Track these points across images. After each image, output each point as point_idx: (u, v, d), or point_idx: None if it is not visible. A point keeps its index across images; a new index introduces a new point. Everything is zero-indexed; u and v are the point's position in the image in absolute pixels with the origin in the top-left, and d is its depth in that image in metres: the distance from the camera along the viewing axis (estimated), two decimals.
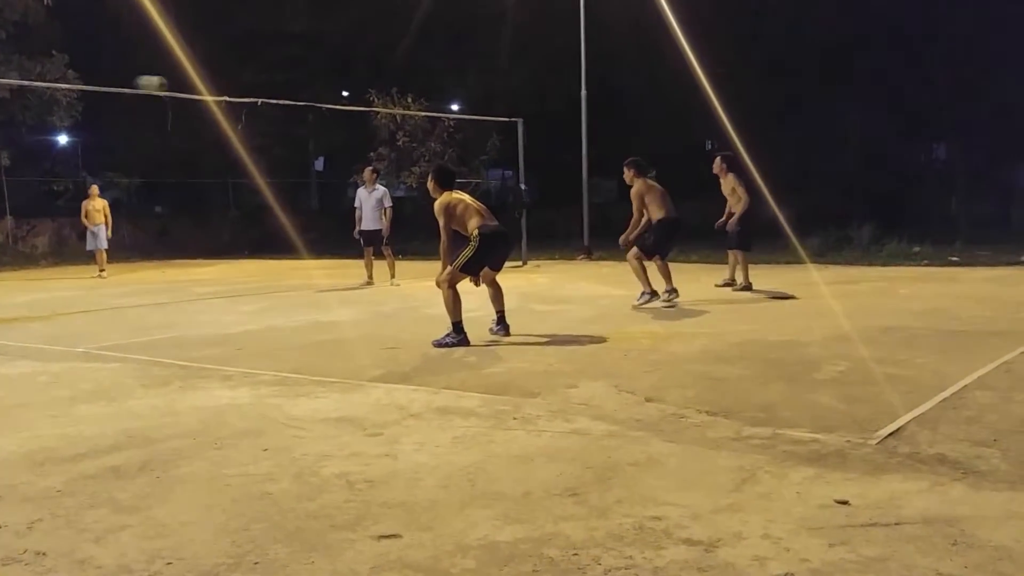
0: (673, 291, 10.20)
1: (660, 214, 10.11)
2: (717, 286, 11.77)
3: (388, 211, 13.77)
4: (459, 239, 7.87)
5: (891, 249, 16.61)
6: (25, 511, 3.68)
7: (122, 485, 4.00)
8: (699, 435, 4.59)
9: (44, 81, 19.47)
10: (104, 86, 15.26)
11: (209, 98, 14.16)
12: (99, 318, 10.91)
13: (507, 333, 8.01)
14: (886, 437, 4.44)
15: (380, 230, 13.80)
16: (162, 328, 9.53)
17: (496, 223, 7.97)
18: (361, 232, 13.97)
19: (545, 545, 3.17)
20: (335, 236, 25.78)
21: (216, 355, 7.50)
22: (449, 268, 7.76)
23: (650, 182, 10.32)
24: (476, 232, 7.75)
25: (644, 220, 10.16)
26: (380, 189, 14.07)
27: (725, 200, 11.74)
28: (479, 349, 7.46)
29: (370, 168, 14.79)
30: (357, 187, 14.52)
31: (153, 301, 12.54)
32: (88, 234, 17.43)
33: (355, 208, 14.09)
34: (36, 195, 27.57)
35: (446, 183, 8.07)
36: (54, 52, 20.64)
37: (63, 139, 29.67)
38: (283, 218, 19.10)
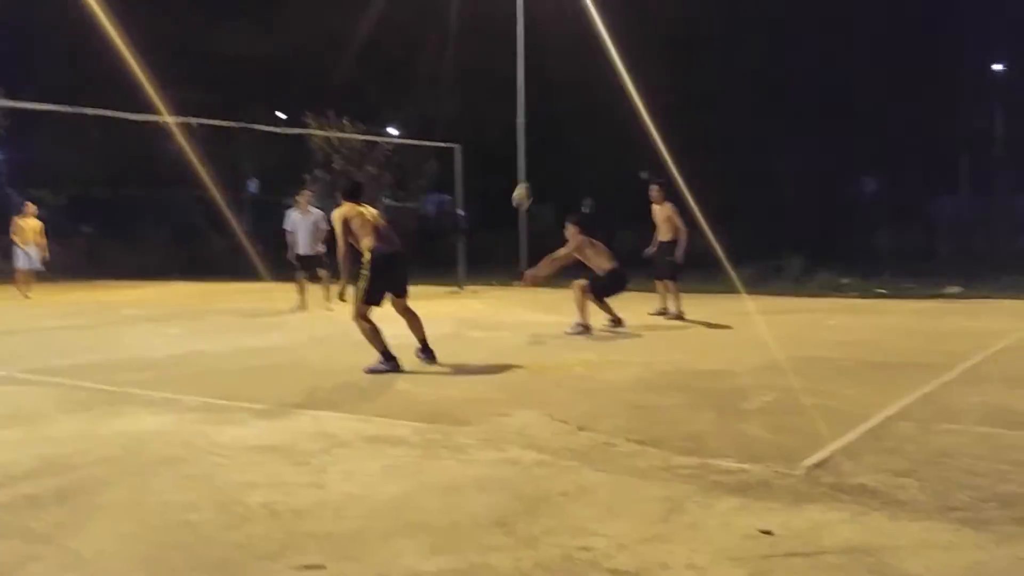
0: (615, 321, 10.40)
1: (610, 264, 10.31)
2: (650, 314, 11.90)
3: (324, 234, 13.63)
4: (357, 255, 7.80)
5: (820, 280, 16.98)
6: None
7: (36, 514, 3.86)
8: (629, 464, 4.60)
9: None
10: (30, 101, 14.87)
11: (143, 116, 13.89)
12: (19, 340, 10.58)
13: (432, 360, 7.95)
14: (811, 467, 4.51)
15: (317, 255, 13.67)
16: (86, 351, 9.27)
17: (393, 245, 7.82)
18: (298, 257, 13.82)
19: None
20: (268, 258, 25.51)
21: (141, 379, 7.32)
22: (353, 306, 7.70)
23: (591, 240, 10.47)
24: (368, 256, 7.64)
25: (559, 261, 10.42)
26: (316, 212, 13.96)
27: (655, 229, 11.93)
28: (411, 376, 7.41)
29: (307, 192, 14.66)
30: (289, 210, 14.36)
31: (78, 323, 12.21)
32: (18, 252, 16.79)
33: (287, 232, 13.93)
34: None
35: (350, 195, 8.00)
36: None
37: None
38: (214, 239, 18.79)
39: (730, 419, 5.67)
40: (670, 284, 11.89)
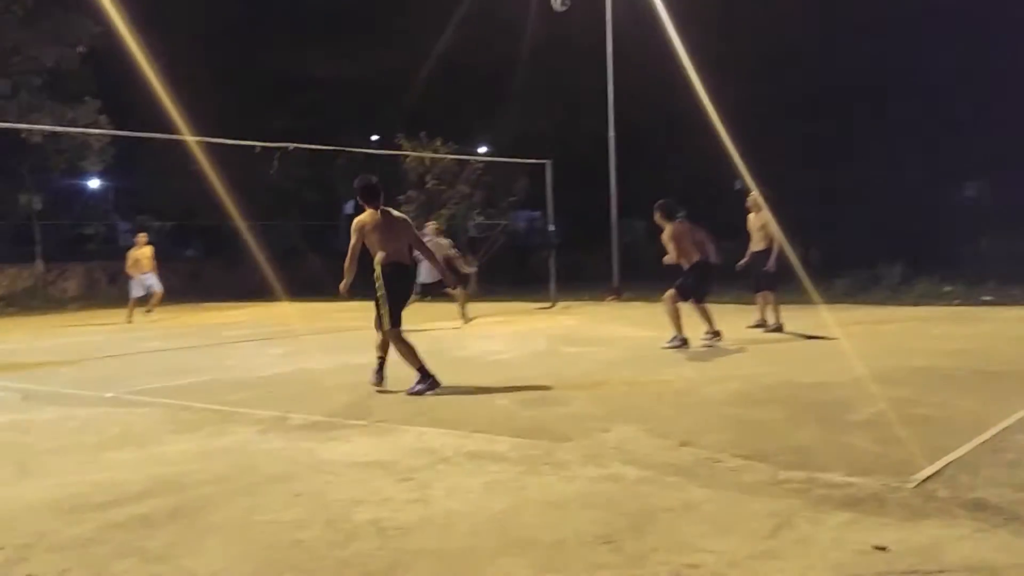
0: (714, 334, 10.14)
1: (694, 257, 10.06)
2: (748, 327, 11.67)
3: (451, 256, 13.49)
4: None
5: (922, 289, 16.42)
6: (55, 560, 3.67)
7: (151, 533, 3.99)
8: (734, 480, 4.52)
9: (76, 126, 19.85)
10: (135, 131, 15.50)
11: (242, 142, 14.34)
12: (128, 362, 10.99)
13: (379, 383, 7.70)
14: (924, 481, 4.35)
15: (438, 281, 13.34)
16: (193, 372, 9.57)
17: (402, 258, 7.69)
18: (422, 285, 13.39)
19: None
20: (364, 279, 25.99)
21: (247, 398, 7.52)
22: (383, 332, 7.60)
23: (684, 223, 10.25)
24: (378, 271, 7.52)
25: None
26: (442, 242, 13.97)
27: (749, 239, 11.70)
28: (509, 392, 7.41)
29: (434, 224, 14.64)
30: None
31: (184, 345, 12.63)
32: (133, 283, 17.41)
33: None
34: (67, 239, 28.02)
35: (368, 199, 7.69)
36: (86, 98, 21.05)
37: (94, 183, 30.20)
38: (313, 260, 19.22)
39: (836, 432, 5.51)
40: (768, 295, 11.64)
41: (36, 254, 24.10)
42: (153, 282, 17.30)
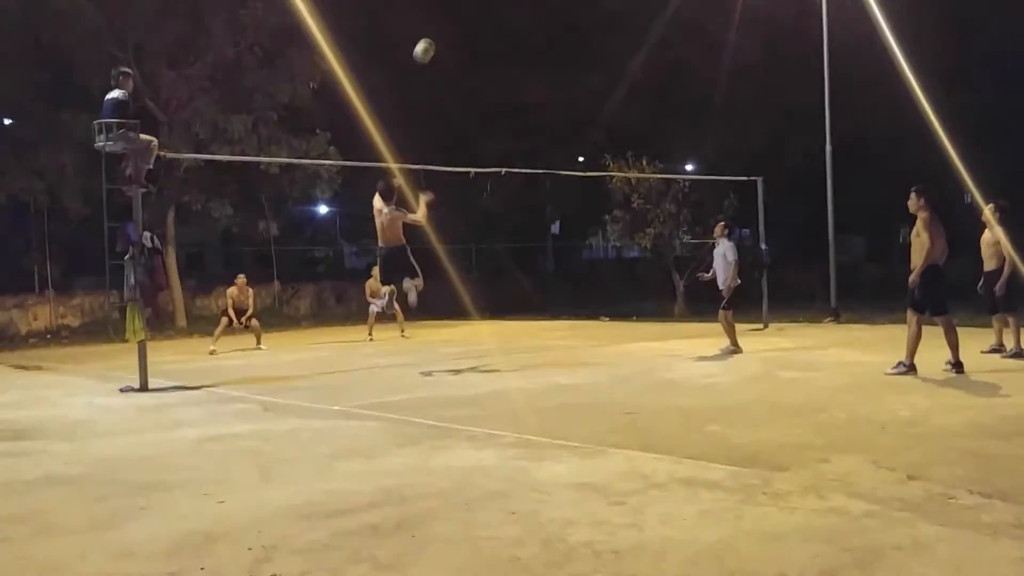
0: (956, 364, 9.27)
1: (940, 255, 9.13)
2: (983, 352, 10.82)
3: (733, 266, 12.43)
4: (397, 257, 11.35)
5: None
6: (296, 562, 3.95)
7: (380, 542, 4.20)
8: (972, 519, 4.21)
9: (308, 158, 21.33)
10: (360, 160, 16.43)
11: (457, 169, 14.91)
12: (355, 378, 11.64)
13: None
14: None
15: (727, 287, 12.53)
16: (413, 388, 10.01)
17: (386, 243, 11.34)
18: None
19: None
20: (570, 298, 26.23)
21: (463, 415, 7.77)
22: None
23: (938, 217, 9.23)
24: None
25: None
26: (723, 243, 12.72)
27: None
28: (723, 417, 7.25)
29: (721, 223, 13.24)
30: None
31: (404, 362, 13.22)
32: (372, 306, 18.98)
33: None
34: (299, 262, 30.12)
35: (384, 196, 11.31)
36: (318, 131, 22.56)
37: (323, 209, 32.26)
38: (522, 280, 19.63)
39: None
40: (1009, 318, 10.74)
41: (273, 276, 26.05)
42: (380, 304, 18.53)
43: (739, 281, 12.49)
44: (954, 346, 9.31)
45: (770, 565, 3.68)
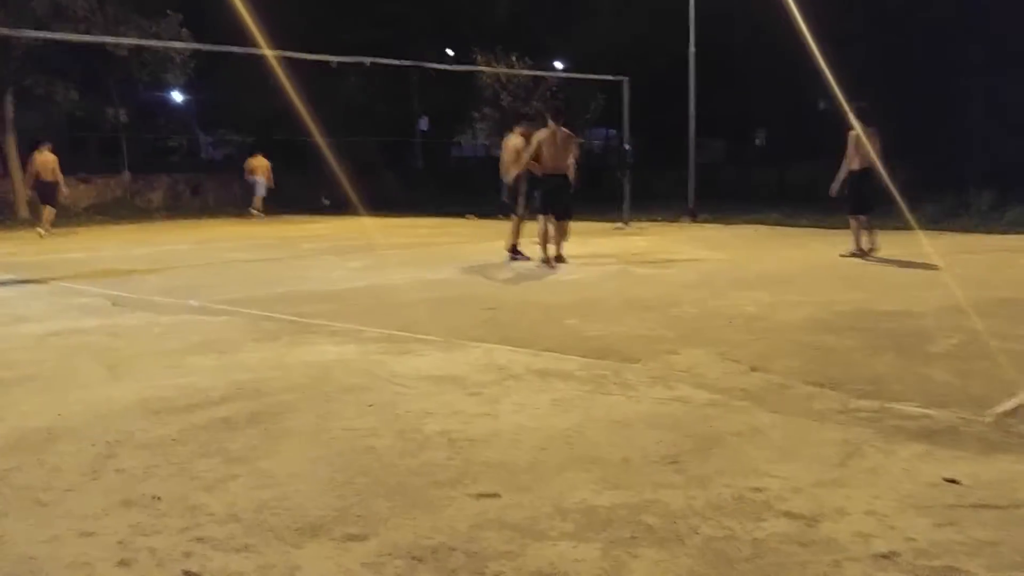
0: (859, 252, 10.92)
1: (853, 164, 10.86)
2: (842, 256, 11.26)
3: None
4: None
5: (1012, 217, 15.75)
6: (142, 457, 3.86)
7: (232, 436, 4.15)
8: (804, 406, 4.49)
9: (159, 40, 20.16)
10: (214, 44, 15.60)
11: (319, 57, 14.34)
12: (210, 272, 11.31)
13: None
14: (1002, 415, 4.26)
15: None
16: (273, 283, 9.81)
17: (556, 169, 10.71)
18: None
19: (643, 512, 3.16)
20: (438, 195, 26.06)
21: (324, 311, 7.69)
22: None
23: (867, 130, 10.69)
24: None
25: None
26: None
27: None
28: (579, 312, 7.43)
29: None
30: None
31: (264, 257, 12.91)
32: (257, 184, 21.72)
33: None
34: (151, 152, 28.70)
35: (556, 117, 10.97)
36: (168, 12, 21.29)
37: (177, 97, 30.68)
38: (388, 176, 19.35)
39: (913, 362, 5.41)
40: (852, 220, 11.26)
41: (123, 165, 24.76)
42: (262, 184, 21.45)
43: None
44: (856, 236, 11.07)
45: (616, 450, 3.84)
